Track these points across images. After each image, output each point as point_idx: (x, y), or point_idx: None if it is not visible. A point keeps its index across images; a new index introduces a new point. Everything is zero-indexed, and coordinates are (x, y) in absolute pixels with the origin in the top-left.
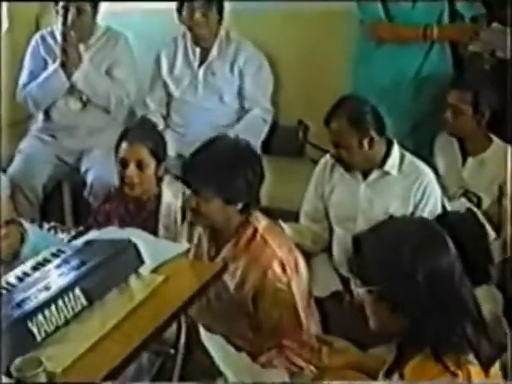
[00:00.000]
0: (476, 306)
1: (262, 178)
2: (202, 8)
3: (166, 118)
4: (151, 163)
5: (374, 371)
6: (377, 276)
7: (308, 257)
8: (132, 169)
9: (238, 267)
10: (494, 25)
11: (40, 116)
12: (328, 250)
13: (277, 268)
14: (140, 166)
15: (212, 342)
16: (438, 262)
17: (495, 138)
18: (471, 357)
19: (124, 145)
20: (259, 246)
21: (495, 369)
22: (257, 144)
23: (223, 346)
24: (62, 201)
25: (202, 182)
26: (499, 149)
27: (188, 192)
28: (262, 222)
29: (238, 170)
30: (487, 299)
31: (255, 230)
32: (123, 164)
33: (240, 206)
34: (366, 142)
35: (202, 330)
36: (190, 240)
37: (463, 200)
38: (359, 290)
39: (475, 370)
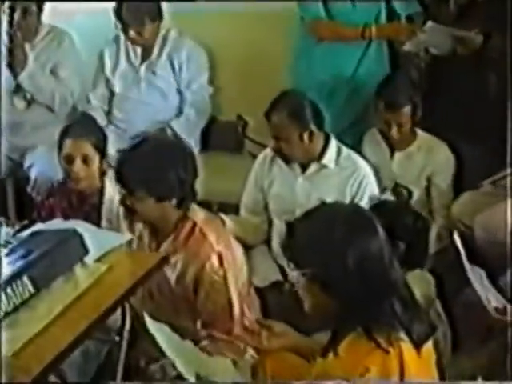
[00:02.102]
0: (407, 287)
1: (196, 172)
2: (136, 27)
3: (108, 114)
4: (95, 158)
5: (312, 353)
6: (309, 259)
7: (248, 248)
8: (78, 164)
9: (178, 261)
10: (430, 24)
11: None
12: (267, 241)
13: (214, 261)
14: (85, 160)
15: (157, 330)
16: (367, 246)
17: (420, 132)
18: (403, 335)
19: (68, 141)
20: (198, 240)
21: (428, 347)
22: (202, 124)
23: (168, 334)
24: (6, 196)
25: (133, 183)
26: (424, 142)
27: (123, 191)
28: (200, 215)
29: (166, 169)
30: (420, 283)
31: (194, 225)
32: (68, 160)
33: (174, 201)
34: (306, 136)
35: (147, 318)
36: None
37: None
38: (293, 273)
39: (407, 347)
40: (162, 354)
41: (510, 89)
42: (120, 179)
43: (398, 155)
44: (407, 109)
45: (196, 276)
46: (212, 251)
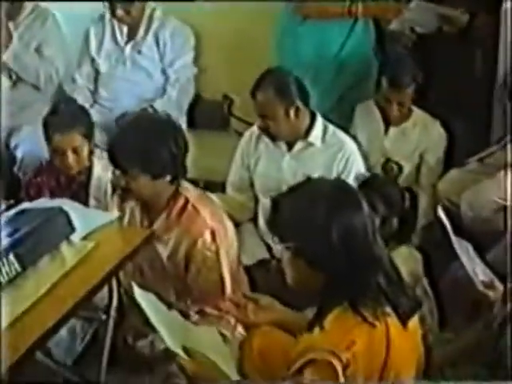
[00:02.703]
0: (392, 263)
1: (186, 147)
2: (124, 5)
3: (94, 93)
4: (85, 145)
5: (299, 327)
6: (293, 233)
7: (235, 226)
8: (70, 156)
9: (170, 237)
10: (415, 1)
11: None
12: (254, 219)
13: (207, 237)
14: (76, 151)
15: (144, 299)
16: (351, 220)
17: (415, 108)
18: (389, 309)
19: (57, 136)
20: (191, 216)
21: (414, 322)
22: (186, 103)
23: (155, 304)
24: None
25: (127, 162)
26: (419, 118)
27: (117, 172)
28: (192, 192)
29: (160, 146)
30: (408, 260)
31: (186, 201)
32: (59, 152)
33: (168, 178)
34: (292, 112)
35: (135, 288)
36: (121, 213)
37: None
38: (278, 247)
39: (393, 321)
40: (151, 327)
41: (510, 67)
42: (113, 159)
43: (392, 130)
44: (411, 89)
45: (188, 252)
46: (205, 227)
